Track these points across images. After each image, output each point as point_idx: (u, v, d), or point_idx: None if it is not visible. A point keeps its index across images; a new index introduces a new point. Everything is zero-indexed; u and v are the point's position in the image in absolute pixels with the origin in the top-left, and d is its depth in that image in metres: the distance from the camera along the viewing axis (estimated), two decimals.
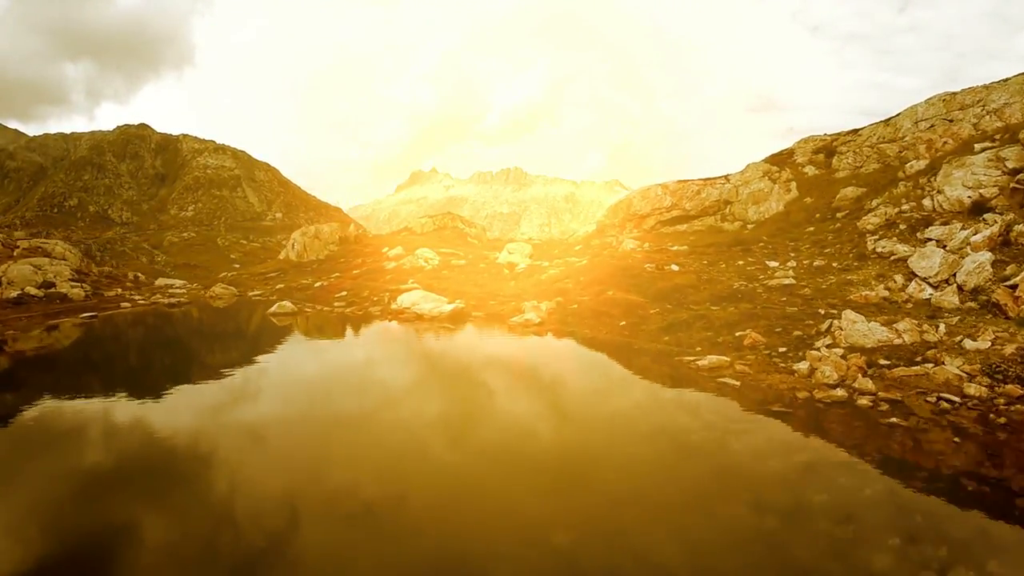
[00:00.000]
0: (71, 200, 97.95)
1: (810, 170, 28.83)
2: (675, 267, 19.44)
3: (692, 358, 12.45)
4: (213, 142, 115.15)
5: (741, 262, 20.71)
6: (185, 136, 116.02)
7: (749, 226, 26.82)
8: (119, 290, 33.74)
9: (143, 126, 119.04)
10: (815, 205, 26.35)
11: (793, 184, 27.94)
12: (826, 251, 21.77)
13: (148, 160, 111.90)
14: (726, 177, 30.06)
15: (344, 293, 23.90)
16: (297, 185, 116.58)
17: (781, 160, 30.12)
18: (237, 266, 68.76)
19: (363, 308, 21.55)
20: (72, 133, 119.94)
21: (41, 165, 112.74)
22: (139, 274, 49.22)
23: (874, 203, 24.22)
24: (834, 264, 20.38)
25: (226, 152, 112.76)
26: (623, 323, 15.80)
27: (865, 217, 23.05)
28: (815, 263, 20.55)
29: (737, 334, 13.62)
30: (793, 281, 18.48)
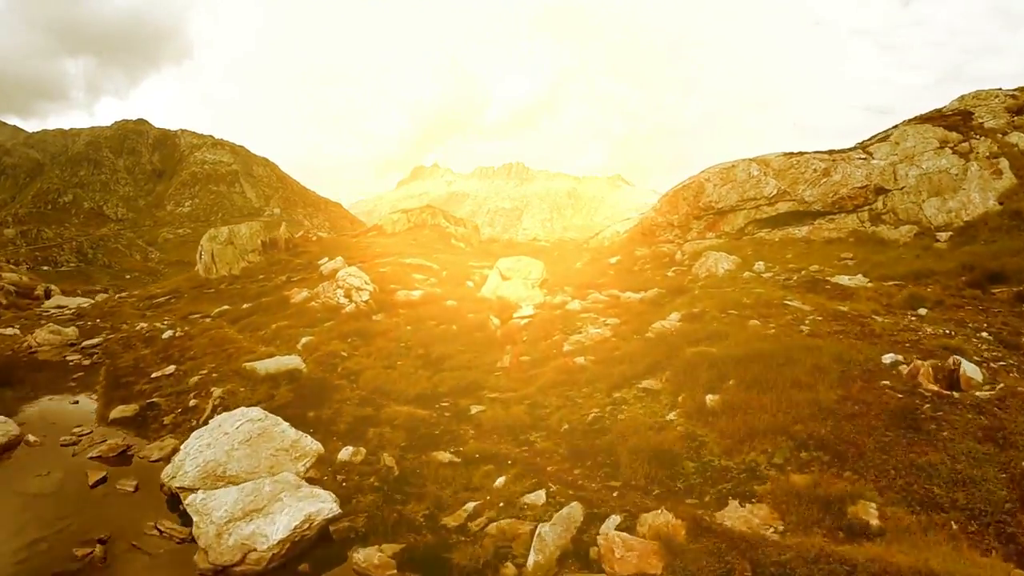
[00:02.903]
0: (66, 196, 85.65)
1: (1020, 139, 15.20)
2: (971, 371, 5.93)
3: None
4: (211, 137, 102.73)
5: None
6: (183, 131, 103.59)
7: (941, 235, 13.29)
8: None
9: (141, 121, 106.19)
10: None
11: (1003, 162, 14.34)
12: None
13: (146, 156, 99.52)
14: (864, 149, 16.37)
15: (168, 371, 10.46)
16: (296, 180, 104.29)
17: (953, 124, 16.43)
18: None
19: (133, 445, 8.04)
20: (71, 129, 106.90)
21: (39, 161, 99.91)
22: (51, 286, 36.29)
23: None
24: None
25: (224, 147, 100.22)
26: None
27: None
28: None
29: None
30: None
